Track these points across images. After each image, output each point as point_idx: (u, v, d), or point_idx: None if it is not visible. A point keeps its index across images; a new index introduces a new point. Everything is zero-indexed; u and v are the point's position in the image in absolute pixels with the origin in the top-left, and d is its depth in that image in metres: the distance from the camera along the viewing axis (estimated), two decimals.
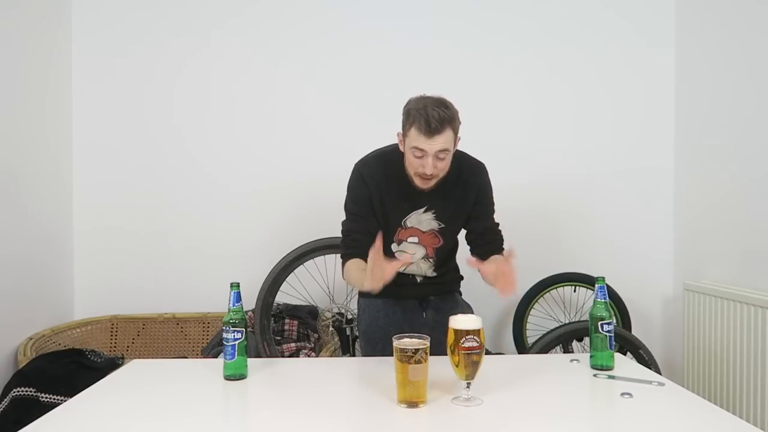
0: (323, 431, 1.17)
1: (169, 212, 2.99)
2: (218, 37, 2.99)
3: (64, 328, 2.74)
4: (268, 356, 2.46)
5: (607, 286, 1.62)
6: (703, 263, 2.80)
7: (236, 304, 1.46)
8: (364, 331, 1.87)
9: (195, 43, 2.99)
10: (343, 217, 1.79)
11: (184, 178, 2.99)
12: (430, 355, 1.28)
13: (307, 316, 2.78)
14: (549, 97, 3.04)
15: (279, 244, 2.71)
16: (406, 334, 1.30)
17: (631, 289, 2.94)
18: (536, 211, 3.01)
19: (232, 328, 1.44)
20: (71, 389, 1.53)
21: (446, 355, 1.32)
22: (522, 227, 2.90)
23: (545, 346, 2.47)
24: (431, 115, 1.54)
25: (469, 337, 1.27)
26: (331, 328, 2.73)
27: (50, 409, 1.26)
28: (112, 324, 2.90)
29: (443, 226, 1.77)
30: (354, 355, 2.67)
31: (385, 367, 1.54)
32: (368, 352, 1.81)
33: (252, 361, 1.54)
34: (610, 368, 1.53)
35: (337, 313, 2.78)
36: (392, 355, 1.29)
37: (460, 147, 1.72)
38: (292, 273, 2.61)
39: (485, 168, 1.81)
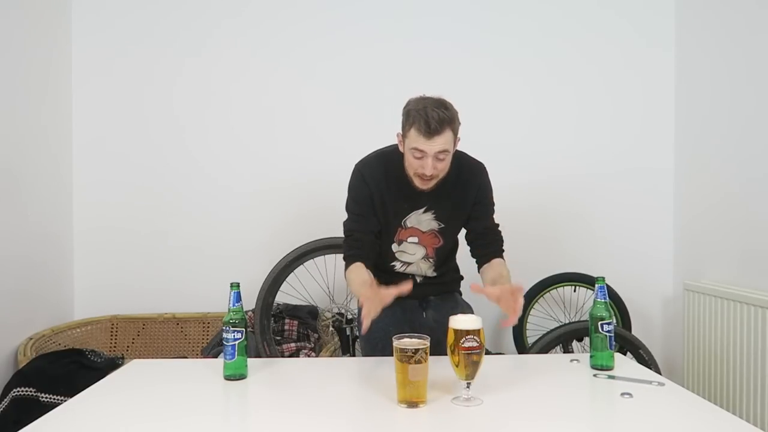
0: (323, 431, 1.17)
1: (169, 212, 2.99)
2: (218, 37, 2.99)
3: (64, 328, 2.74)
4: (268, 356, 2.46)
5: (607, 286, 1.62)
6: (703, 263, 2.80)
7: (236, 304, 1.46)
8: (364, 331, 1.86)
9: (195, 43, 2.99)
10: (343, 218, 1.79)
11: (184, 178, 2.99)
12: (430, 355, 1.28)
13: (307, 316, 2.78)
14: (549, 97, 3.04)
15: (279, 244, 2.71)
16: (406, 334, 1.30)
17: (631, 289, 2.94)
18: (536, 211, 3.02)
19: (232, 328, 1.44)
20: (71, 389, 1.53)
21: (446, 355, 1.32)
22: (522, 227, 2.90)
23: (545, 346, 2.47)
24: (431, 116, 1.54)
25: (469, 337, 1.27)
26: (331, 328, 2.73)
27: (50, 409, 1.26)
28: (112, 324, 2.90)
29: (443, 226, 1.77)
30: (354, 355, 2.67)
31: (385, 367, 1.54)
32: (368, 352, 1.81)
33: (252, 361, 1.54)
34: (610, 368, 1.53)
35: (337, 313, 2.78)
36: (392, 355, 1.29)
37: (461, 147, 1.72)
38: (292, 273, 2.61)
39: (485, 168, 1.81)
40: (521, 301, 1.43)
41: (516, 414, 1.25)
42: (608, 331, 1.53)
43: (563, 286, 2.92)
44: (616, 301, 2.83)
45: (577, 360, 1.63)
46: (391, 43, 2.99)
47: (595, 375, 1.50)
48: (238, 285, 1.47)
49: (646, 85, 3.05)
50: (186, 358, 2.75)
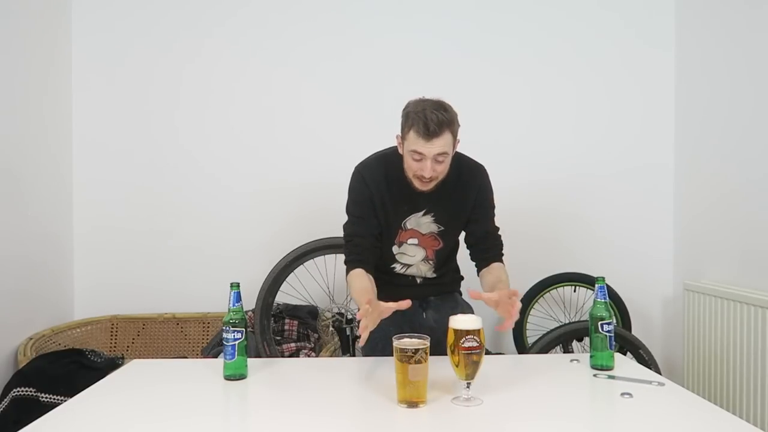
0: (323, 431, 1.17)
1: (170, 212, 2.99)
2: (219, 37, 2.99)
3: (64, 328, 2.74)
4: (268, 356, 2.46)
5: (607, 286, 1.62)
6: (703, 263, 2.80)
7: (236, 304, 1.46)
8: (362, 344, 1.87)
9: (195, 43, 2.99)
10: (343, 217, 1.79)
11: (184, 177, 2.99)
12: (430, 355, 1.28)
13: (307, 316, 2.78)
14: (549, 97, 3.04)
15: (279, 244, 2.71)
16: (406, 334, 1.30)
17: (631, 289, 2.94)
18: (536, 210, 3.01)
19: (232, 328, 1.44)
20: (71, 389, 1.53)
21: (446, 355, 1.32)
22: (522, 227, 2.90)
23: (545, 346, 2.47)
24: (430, 118, 1.53)
25: (469, 337, 1.27)
26: (331, 328, 2.73)
27: (50, 409, 1.26)
28: (112, 324, 2.90)
29: (443, 228, 1.77)
30: (354, 355, 2.67)
31: (385, 367, 1.54)
32: (368, 352, 1.81)
33: (252, 361, 1.54)
34: (610, 368, 1.53)
35: (337, 313, 2.78)
36: (392, 355, 1.29)
37: (462, 148, 1.72)
38: (292, 273, 2.61)
39: (485, 170, 1.81)
40: (518, 305, 1.43)
41: (516, 414, 1.26)
42: (608, 331, 1.53)
43: (563, 286, 2.92)
44: (616, 301, 2.83)
45: (577, 360, 1.63)
46: (391, 43, 2.99)
47: (595, 375, 1.50)
48: (238, 285, 1.47)
49: (646, 85, 3.05)
50: (186, 358, 2.75)
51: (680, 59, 3.01)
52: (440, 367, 1.36)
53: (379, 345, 1.72)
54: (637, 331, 2.89)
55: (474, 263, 1.84)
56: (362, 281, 1.65)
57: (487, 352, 1.43)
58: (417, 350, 1.25)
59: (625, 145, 3.05)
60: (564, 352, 2.59)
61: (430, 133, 1.54)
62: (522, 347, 2.87)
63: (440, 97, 1.62)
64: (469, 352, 1.27)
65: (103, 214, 2.97)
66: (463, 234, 1.85)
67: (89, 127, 2.97)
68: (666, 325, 3.06)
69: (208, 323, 2.91)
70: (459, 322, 1.30)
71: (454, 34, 3.01)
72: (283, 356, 2.57)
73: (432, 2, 3.01)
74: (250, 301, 2.24)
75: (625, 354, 2.28)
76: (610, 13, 3.04)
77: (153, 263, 2.97)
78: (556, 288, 2.92)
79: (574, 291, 2.98)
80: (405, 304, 1.42)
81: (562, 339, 2.53)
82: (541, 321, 2.95)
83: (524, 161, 3.01)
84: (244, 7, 2.99)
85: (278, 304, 2.72)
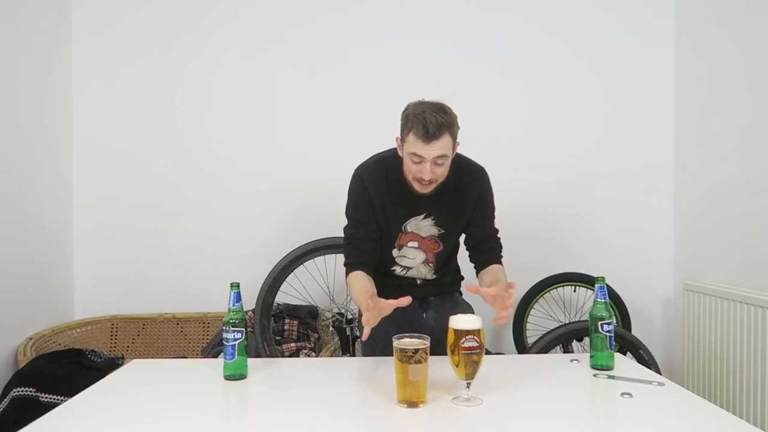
0: (323, 431, 1.17)
1: (170, 212, 2.99)
2: (219, 38, 2.99)
3: (64, 328, 2.74)
4: (268, 356, 2.46)
5: (607, 286, 1.62)
6: (703, 263, 2.80)
7: (236, 304, 1.46)
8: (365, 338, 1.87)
9: (195, 43, 2.99)
10: (343, 217, 1.79)
11: (184, 178, 2.99)
12: (430, 355, 1.28)
13: (307, 316, 2.78)
14: (549, 97, 3.04)
15: (279, 244, 2.71)
16: (406, 334, 1.30)
17: (631, 289, 2.94)
18: (536, 210, 3.01)
19: (232, 328, 1.44)
20: (71, 389, 1.53)
21: (446, 355, 1.32)
22: (522, 227, 2.90)
23: (545, 346, 2.47)
24: (429, 120, 1.53)
25: (469, 337, 1.27)
26: (331, 328, 2.73)
27: (50, 409, 1.26)
28: (112, 324, 2.90)
29: (443, 231, 1.77)
30: (354, 355, 2.67)
31: (385, 367, 1.54)
32: (368, 352, 1.81)
33: (252, 361, 1.54)
34: (610, 368, 1.53)
35: (337, 313, 2.78)
36: (392, 355, 1.29)
37: (462, 148, 1.72)
38: (292, 273, 2.61)
39: (486, 173, 1.80)
40: (513, 297, 1.42)
41: (516, 414, 1.26)
42: (608, 331, 1.53)
43: (563, 286, 2.92)
44: (616, 301, 2.83)
45: (577, 360, 1.63)
46: (391, 44, 2.99)
47: (595, 375, 1.50)
48: (238, 285, 1.47)
49: (646, 84, 3.05)
50: (186, 358, 2.75)
51: (680, 59, 3.01)
52: (440, 367, 1.36)
53: (379, 345, 1.72)
54: (637, 331, 2.89)
55: (473, 265, 1.84)
56: (362, 282, 1.65)
57: (487, 352, 1.43)
58: (417, 350, 1.25)
59: (625, 145, 3.05)
60: (564, 352, 2.59)
61: (429, 135, 1.53)
62: (522, 347, 2.87)
63: (440, 97, 1.62)
64: (469, 352, 1.27)
65: (103, 214, 2.97)
66: (462, 236, 1.85)
67: (89, 127, 2.97)
68: (666, 325, 3.06)
69: (208, 323, 2.91)
70: (459, 322, 1.30)
71: (454, 34, 3.01)
72: (283, 356, 2.57)
73: (432, 2, 3.01)
74: (250, 301, 2.24)
75: (625, 354, 2.28)
76: (610, 13, 3.04)
77: (153, 263, 2.97)
78: (556, 288, 2.92)
79: (574, 291, 2.98)
80: (405, 300, 1.43)
81: (562, 339, 2.53)
82: (541, 321, 2.95)
83: (524, 161, 3.01)
84: (244, 7, 2.99)
85: (278, 304, 2.72)
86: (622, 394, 1.34)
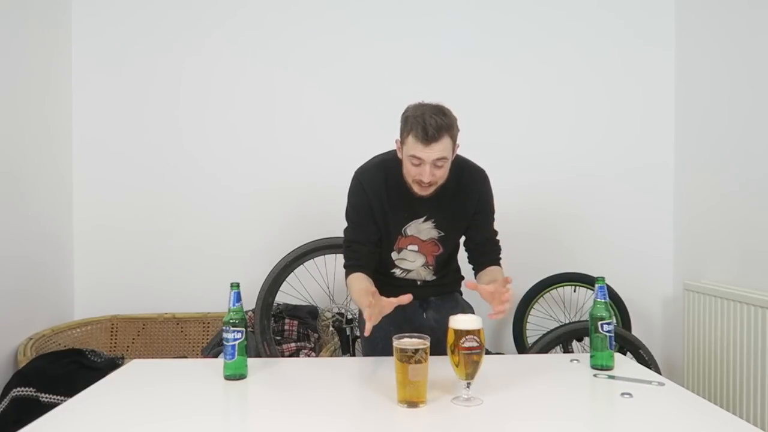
0: (323, 431, 1.17)
1: (170, 212, 2.99)
2: (219, 38, 2.99)
3: (64, 328, 2.74)
4: (268, 356, 2.46)
5: (607, 286, 1.62)
6: (703, 263, 2.80)
7: (236, 304, 1.46)
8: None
9: (195, 43, 2.99)
10: (343, 218, 1.79)
11: (185, 178, 2.99)
12: (430, 355, 1.28)
13: (307, 316, 2.77)
14: (549, 98, 3.04)
15: (279, 244, 2.71)
16: (406, 334, 1.30)
17: (631, 289, 2.94)
18: (536, 210, 3.01)
19: (232, 328, 1.44)
20: (71, 389, 1.53)
21: (446, 355, 1.32)
22: (522, 227, 2.91)
23: (545, 346, 2.47)
24: (428, 122, 1.52)
25: (469, 337, 1.27)
26: (331, 328, 2.73)
27: (50, 409, 1.26)
28: (112, 324, 2.90)
29: (443, 234, 1.77)
30: (354, 355, 2.67)
31: (385, 367, 1.54)
32: (368, 352, 1.81)
33: (252, 361, 1.54)
34: (610, 368, 1.53)
35: (337, 313, 2.78)
36: (392, 355, 1.29)
37: (462, 148, 1.71)
38: (292, 273, 2.61)
39: (486, 175, 1.80)
40: (510, 292, 1.41)
41: (516, 414, 1.26)
42: (608, 331, 1.53)
43: (563, 286, 2.92)
44: (616, 301, 2.83)
45: (577, 360, 1.63)
46: (391, 44, 2.99)
47: (595, 375, 1.50)
48: (238, 285, 1.47)
49: (646, 85, 3.05)
50: (186, 358, 2.75)
51: (680, 59, 3.01)
52: (440, 367, 1.36)
53: (379, 345, 1.72)
54: (637, 331, 2.89)
55: (471, 266, 1.84)
56: (362, 283, 1.65)
57: (487, 352, 1.43)
58: (417, 350, 1.25)
59: (625, 145, 3.05)
60: (564, 352, 2.59)
61: (428, 137, 1.53)
62: (522, 347, 2.87)
63: (440, 98, 1.62)
64: (469, 352, 1.27)
65: (103, 214, 2.97)
66: (462, 238, 1.85)
67: (89, 127, 2.97)
68: (666, 325, 3.06)
69: (208, 323, 2.91)
70: (459, 322, 1.30)
71: (454, 34, 3.01)
72: (283, 356, 2.57)
73: (432, 3, 3.01)
74: (250, 301, 2.24)
75: (625, 354, 2.28)
76: (610, 14, 3.04)
77: (153, 263, 2.97)
78: (556, 288, 2.92)
79: (574, 291, 2.98)
80: (406, 298, 1.43)
81: (562, 339, 2.53)
82: (541, 321, 2.95)
83: (524, 161, 3.01)
84: (244, 8, 2.99)
85: (278, 304, 2.72)
86: (622, 394, 1.34)
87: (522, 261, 2.45)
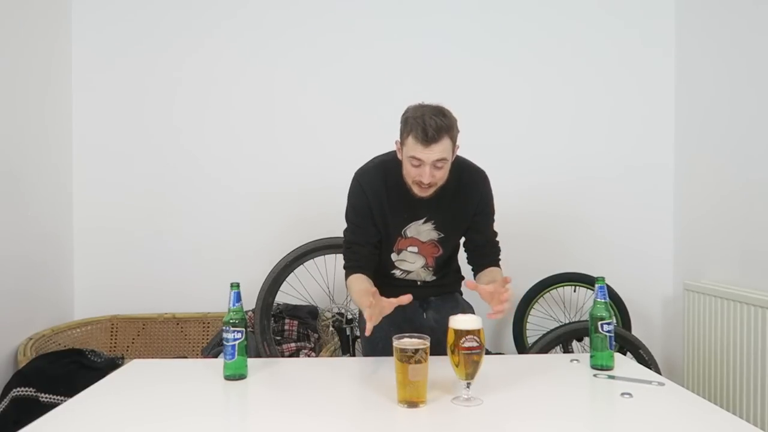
0: (323, 431, 1.17)
1: (170, 212, 2.99)
2: (219, 38, 2.99)
3: (64, 328, 2.74)
4: (268, 356, 2.46)
5: (607, 286, 1.62)
6: (703, 263, 2.80)
7: (236, 304, 1.46)
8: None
9: (195, 43, 2.99)
10: (343, 219, 1.79)
11: (185, 178, 2.99)
12: (430, 355, 1.28)
13: (307, 316, 2.78)
14: (549, 98, 3.04)
15: (279, 245, 2.71)
16: (406, 334, 1.30)
17: (631, 289, 2.94)
18: (536, 211, 3.01)
19: (232, 328, 1.44)
20: (71, 389, 1.53)
21: (446, 355, 1.32)
22: (522, 227, 2.91)
23: (545, 346, 2.47)
24: (428, 123, 1.52)
25: (469, 337, 1.27)
26: (331, 328, 2.73)
27: (50, 409, 1.26)
28: (112, 324, 2.90)
29: (443, 235, 1.77)
30: (354, 355, 2.67)
31: (385, 367, 1.54)
32: (368, 352, 1.81)
33: (252, 361, 1.54)
34: (610, 368, 1.53)
35: (337, 313, 2.78)
36: (392, 355, 1.29)
37: (463, 149, 1.71)
38: (292, 273, 2.61)
39: (486, 176, 1.79)
40: (509, 292, 1.41)
41: (516, 414, 1.26)
42: (608, 331, 1.53)
43: (563, 286, 2.92)
44: (616, 301, 2.83)
45: (577, 360, 1.63)
46: (391, 45, 2.99)
47: (595, 375, 1.50)
48: (238, 285, 1.47)
49: (647, 85, 3.05)
50: (186, 358, 2.75)
51: (680, 59, 3.01)
52: (440, 367, 1.36)
53: (379, 345, 1.72)
54: (637, 331, 2.89)
55: (470, 267, 1.84)
56: (362, 283, 1.65)
57: (487, 352, 1.43)
58: (417, 350, 1.25)
59: (625, 145, 3.05)
60: (564, 352, 2.59)
61: (428, 138, 1.52)
62: (522, 347, 2.87)
63: (440, 99, 1.62)
64: (469, 352, 1.27)
65: (103, 215, 2.97)
66: (461, 239, 1.85)
67: (89, 127, 2.97)
68: (666, 325, 3.06)
69: (208, 323, 2.91)
70: (459, 322, 1.30)
71: (454, 35, 3.01)
72: (283, 356, 2.57)
73: (431, 3, 3.01)
74: (250, 301, 2.24)
75: (625, 354, 2.28)
76: (610, 14, 3.04)
77: (153, 263, 2.97)
78: (556, 288, 2.92)
79: (574, 291, 2.98)
80: (407, 299, 1.43)
81: (562, 339, 2.53)
82: (541, 321, 2.95)
83: (524, 162, 3.01)
84: (244, 8, 2.99)
85: (278, 304, 2.72)
86: (622, 394, 1.34)
87: (522, 261, 2.45)
